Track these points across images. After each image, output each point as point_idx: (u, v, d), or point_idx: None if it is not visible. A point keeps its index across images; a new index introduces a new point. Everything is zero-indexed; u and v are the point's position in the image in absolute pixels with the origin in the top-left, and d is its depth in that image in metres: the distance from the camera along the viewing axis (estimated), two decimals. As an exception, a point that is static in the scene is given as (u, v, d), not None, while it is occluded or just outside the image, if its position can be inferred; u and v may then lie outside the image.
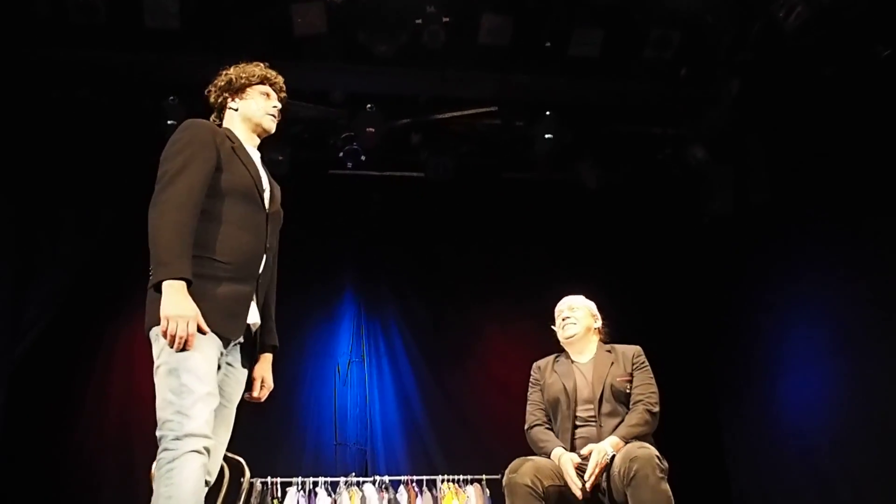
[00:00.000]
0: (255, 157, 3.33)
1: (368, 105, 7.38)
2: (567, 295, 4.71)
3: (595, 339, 4.57)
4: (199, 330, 2.86)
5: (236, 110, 3.39)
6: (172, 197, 2.94)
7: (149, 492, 2.98)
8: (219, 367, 3.05)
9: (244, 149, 3.25)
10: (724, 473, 8.32)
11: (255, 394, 3.30)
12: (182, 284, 2.85)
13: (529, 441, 4.46)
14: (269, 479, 7.43)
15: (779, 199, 7.54)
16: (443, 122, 7.79)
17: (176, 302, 2.82)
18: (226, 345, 3.06)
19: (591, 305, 4.66)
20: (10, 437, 7.43)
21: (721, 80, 7.10)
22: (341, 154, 7.91)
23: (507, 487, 4.04)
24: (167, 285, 2.83)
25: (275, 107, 3.37)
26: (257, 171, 3.23)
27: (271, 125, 3.38)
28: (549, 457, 4.20)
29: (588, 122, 7.83)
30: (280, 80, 3.47)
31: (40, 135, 7.36)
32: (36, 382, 7.66)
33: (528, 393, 4.59)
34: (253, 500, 7.08)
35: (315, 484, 7.58)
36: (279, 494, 7.47)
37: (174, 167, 3.00)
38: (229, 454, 5.15)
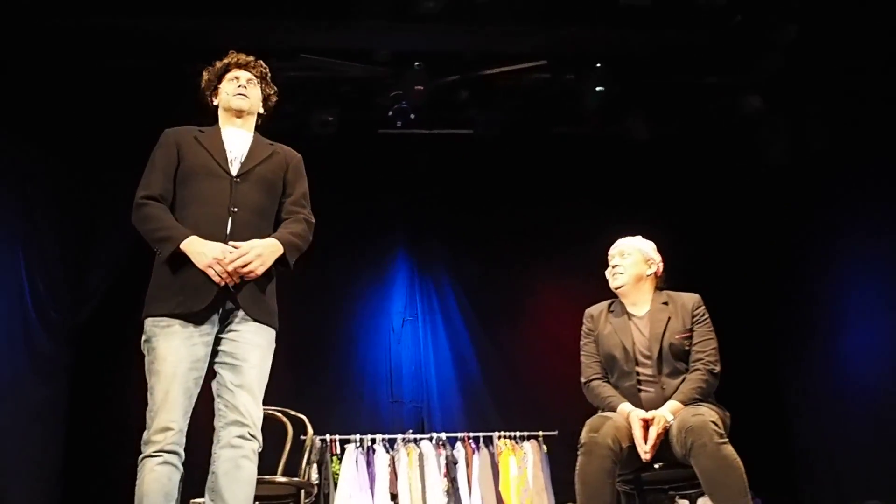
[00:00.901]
0: (238, 134, 3.65)
1: (416, 63, 7.34)
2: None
3: (649, 286, 4.33)
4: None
5: (217, 105, 3.78)
6: (137, 199, 3.47)
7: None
8: (226, 325, 3.31)
9: (214, 133, 3.62)
10: (785, 429, 8.23)
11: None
12: (188, 241, 3.28)
13: (589, 395, 4.28)
14: (327, 437, 7.54)
15: (838, 148, 7.37)
16: (491, 77, 7.70)
17: (200, 253, 3.24)
18: (201, 320, 3.26)
19: (646, 249, 4.39)
20: (78, 394, 7.71)
21: (777, 25, 6.91)
22: (390, 113, 7.89)
23: (587, 446, 3.86)
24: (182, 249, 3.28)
25: (240, 86, 3.69)
26: (221, 147, 3.54)
27: (240, 102, 3.68)
28: (614, 411, 4.06)
29: (639, 73, 7.67)
30: (238, 56, 3.82)
31: (96, 103, 7.46)
32: (100, 344, 7.86)
33: (582, 343, 4.39)
34: (313, 456, 7.19)
35: (373, 441, 7.67)
36: (338, 451, 7.58)
37: (144, 174, 3.55)
38: (292, 412, 5.27)
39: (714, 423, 3.72)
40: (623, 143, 8.15)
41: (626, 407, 4.04)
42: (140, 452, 3.16)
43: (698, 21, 6.85)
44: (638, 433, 3.90)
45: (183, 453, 3.20)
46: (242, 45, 6.92)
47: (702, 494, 3.97)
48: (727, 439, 3.72)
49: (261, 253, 3.29)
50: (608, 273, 4.39)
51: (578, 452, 3.91)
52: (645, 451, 3.88)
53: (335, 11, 6.75)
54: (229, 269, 3.24)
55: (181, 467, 3.19)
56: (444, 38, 7.24)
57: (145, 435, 3.16)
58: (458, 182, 8.73)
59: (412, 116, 7.89)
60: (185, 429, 3.22)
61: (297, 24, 6.87)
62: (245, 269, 3.25)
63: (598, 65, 7.46)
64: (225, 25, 6.80)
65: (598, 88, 7.53)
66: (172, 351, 3.21)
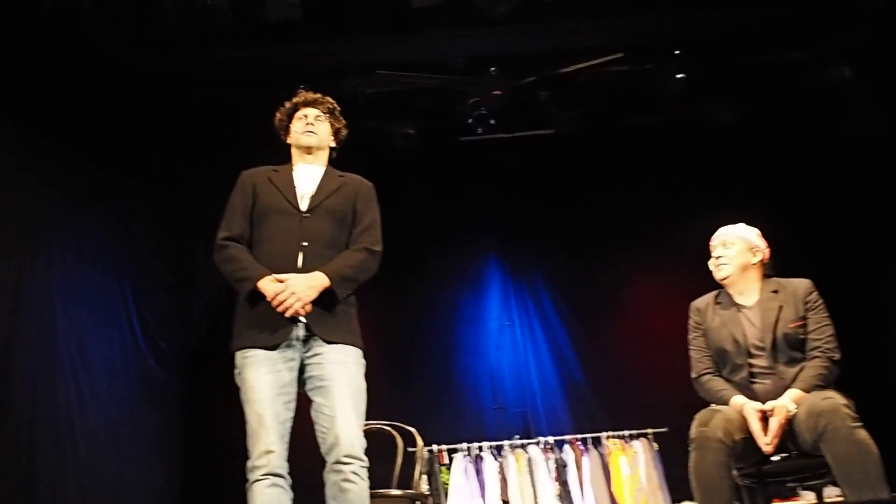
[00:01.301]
0: (309, 171, 3.81)
1: (492, 68, 7.34)
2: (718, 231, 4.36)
3: (756, 275, 4.18)
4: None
5: (290, 145, 3.93)
6: (218, 240, 3.71)
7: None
8: (306, 353, 3.45)
9: (286, 172, 3.79)
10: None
11: None
12: (263, 281, 3.46)
13: (700, 390, 4.17)
14: (434, 447, 7.56)
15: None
16: (568, 75, 7.64)
17: (271, 287, 3.43)
18: (282, 347, 3.44)
19: (750, 236, 4.23)
20: (193, 419, 7.95)
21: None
22: (470, 120, 7.90)
23: (697, 441, 3.78)
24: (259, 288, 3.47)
25: (308, 124, 3.84)
26: (291, 185, 3.71)
27: (307, 139, 3.83)
28: (727, 404, 3.95)
29: (720, 55, 7.52)
30: (306, 96, 3.97)
31: (189, 136, 7.69)
32: (209, 369, 8.05)
33: (690, 338, 4.27)
34: (421, 467, 7.22)
35: (480, 448, 7.66)
36: (446, 461, 7.59)
37: (224, 216, 3.77)
38: (401, 425, 5.31)
39: (846, 405, 3.59)
40: (709, 128, 8.00)
41: (739, 399, 3.93)
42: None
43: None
44: (756, 426, 3.79)
45: (288, 476, 3.32)
46: (319, 68, 7.15)
47: (827, 484, 3.85)
48: (861, 423, 3.56)
49: (295, 291, 3.39)
50: (711, 264, 4.26)
51: (690, 448, 3.83)
52: (766, 443, 3.76)
53: (407, 25, 6.79)
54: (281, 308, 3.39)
55: (289, 490, 3.31)
56: (517, 40, 7.20)
57: (249, 462, 3.33)
58: (544, 182, 8.69)
59: (492, 122, 7.88)
60: (285, 452, 3.35)
61: (370, 41, 6.93)
62: (282, 307, 3.39)
63: (677, 52, 7.33)
64: (301, 50, 6.91)
65: (678, 76, 7.41)
66: (259, 378, 3.40)
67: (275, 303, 3.38)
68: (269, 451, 3.28)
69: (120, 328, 7.23)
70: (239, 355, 3.47)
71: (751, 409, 3.85)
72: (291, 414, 3.43)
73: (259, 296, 3.45)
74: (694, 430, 3.84)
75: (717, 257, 4.22)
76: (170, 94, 7.22)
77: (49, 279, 6.36)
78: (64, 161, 6.71)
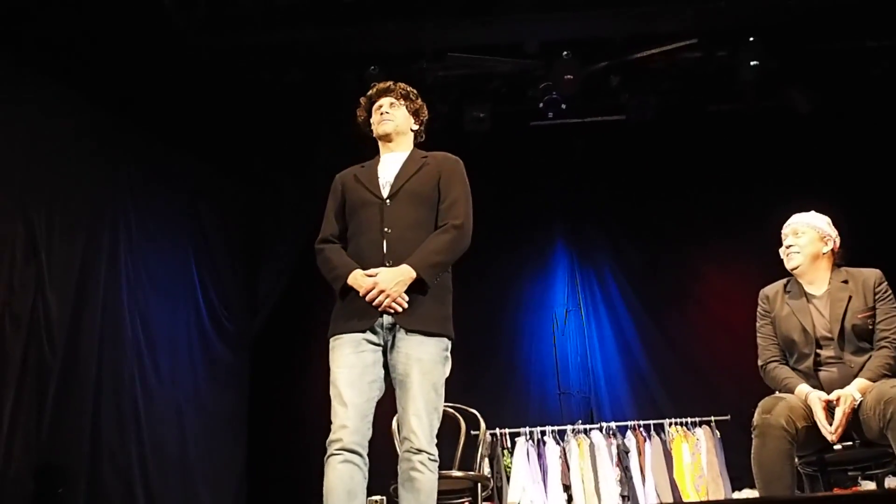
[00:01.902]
0: (393, 158, 3.85)
1: (564, 52, 7.30)
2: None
3: (827, 264, 4.13)
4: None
5: (373, 137, 3.96)
6: (316, 245, 3.78)
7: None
8: (390, 343, 3.49)
9: (371, 166, 3.85)
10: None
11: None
12: (352, 276, 3.53)
13: (766, 378, 4.15)
14: (497, 431, 7.59)
15: None
16: (641, 60, 7.57)
17: (360, 281, 3.50)
18: (366, 332, 3.50)
19: (822, 225, 4.17)
20: (255, 399, 8.06)
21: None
22: (541, 105, 7.87)
23: (760, 428, 3.77)
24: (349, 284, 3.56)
25: (383, 113, 3.88)
26: (375, 177, 3.77)
27: (384, 127, 3.87)
28: (792, 393, 3.93)
29: (794, 43, 7.40)
30: (379, 86, 3.98)
31: (259, 117, 7.79)
32: (274, 349, 8.20)
33: (758, 325, 4.24)
34: (483, 450, 7.26)
35: (543, 433, 7.67)
36: (509, 444, 7.62)
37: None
38: (465, 408, 5.35)
39: None
40: (784, 116, 7.89)
41: (804, 388, 3.90)
42: (324, 453, 3.34)
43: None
44: (820, 415, 3.76)
45: (366, 456, 3.35)
46: (391, 50, 7.18)
47: (888, 474, 3.79)
48: None
49: (384, 288, 3.44)
50: (782, 252, 4.21)
51: (752, 435, 3.81)
52: (831, 432, 3.73)
53: (481, 8, 6.80)
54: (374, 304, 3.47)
55: (364, 468, 3.35)
56: (591, 25, 7.17)
57: (329, 437, 3.37)
58: (614, 169, 8.65)
59: (563, 106, 7.84)
60: (365, 430, 3.38)
61: (444, 23, 6.95)
62: (378, 304, 3.44)
63: (752, 38, 7.22)
64: (374, 32, 6.95)
65: (752, 63, 7.29)
66: (343, 358, 3.46)
67: (367, 298, 3.46)
68: (344, 426, 3.33)
69: (186, 308, 7.39)
70: (331, 341, 3.55)
71: (815, 398, 3.82)
72: (377, 394, 3.47)
73: (350, 290, 3.53)
74: (757, 418, 3.82)
75: (788, 246, 4.17)
76: (241, 75, 7.34)
77: (115, 257, 6.49)
78: (134, 140, 6.87)
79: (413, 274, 3.47)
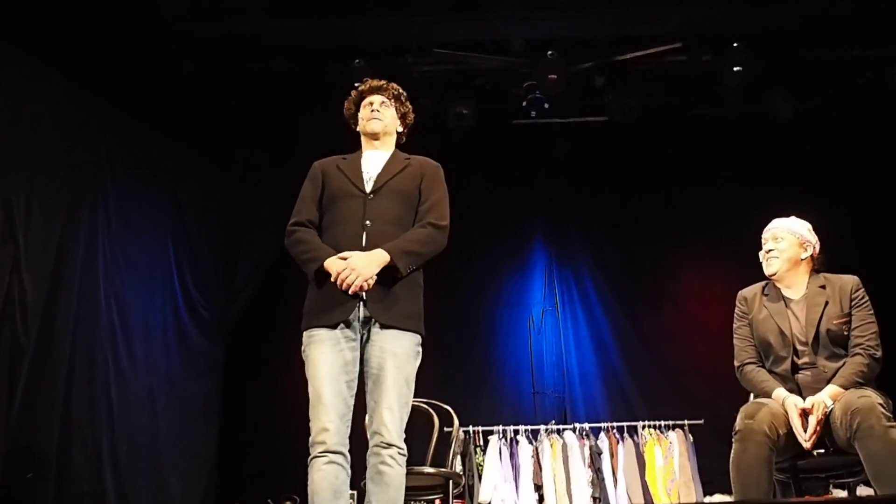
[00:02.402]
0: (376, 156, 3.88)
1: (550, 52, 7.29)
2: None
3: (805, 269, 4.15)
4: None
5: (358, 132, 3.99)
6: (288, 226, 3.74)
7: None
8: (365, 336, 3.53)
9: (354, 159, 3.88)
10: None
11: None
12: (328, 261, 3.52)
13: (742, 379, 4.17)
14: (470, 428, 7.59)
15: None
16: (626, 62, 7.59)
17: (332, 263, 3.50)
18: (344, 327, 3.51)
19: (801, 231, 4.18)
20: (229, 388, 8.04)
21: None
22: (525, 103, 7.88)
23: (742, 433, 3.77)
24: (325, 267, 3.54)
25: (373, 111, 3.90)
26: (358, 170, 3.80)
27: (372, 126, 3.89)
28: (768, 396, 3.95)
29: (779, 50, 7.44)
30: (371, 83, 4.00)
31: (242, 105, 7.76)
32: (250, 339, 8.16)
33: (735, 327, 4.26)
34: (455, 447, 7.26)
35: (516, 432, 7.68)
36: (481, 442, 7.62)
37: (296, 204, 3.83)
38: (439, 404, 5.34)
39: (881, 405, 3.59)
40: (766, 121, 7.92)
41: (780, 392, 3.92)
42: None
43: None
44: (796, 421, 3.78)
45: (348, 454, 3.39)
46: (377, 43, 7.17)
47: (860, 483, 3.82)
48: (895, 423, 3.56)
49: (356, 267, 3.44)
50: (762, 257, 4.24)
51: (733, 440, 3.81)
52: (805, 439, 3.75)
53: (467, 4, 6.79)
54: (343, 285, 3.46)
55: (347, 466, 3.39)
56: (577, 25, 7.18)
57: (310, 438, 3.40)
58: (596, 169, 8.66)
59: (546, 106, 7.85)
60: (345, 430, 3.42)
61: (430, 18, 6.94)
62: (344, 284, 3.43)
63: (736, 44, 7.25)
64: (360, 25, 6.94)
65: (736, 68, 7.33)
66: (322, 357, 3.46)
67: (338, 281, 3.45)
68: (326, 429, 3.36)
69: (162, 294, 7.34)
70: (305, 335, 3.55)
71: (791, 403, 3.84)
72: (352, 393, 3.50)
73: (325, 277, 3.52)
74: (739, 423, 3.83)
75: (768, 251, 4.20)
76: (226, 62, 7.29)
77: (93, 241, 6.44)
78: (116, 123, 6.81)
79: (387, 257, 3.50)
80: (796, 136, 8.04)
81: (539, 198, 8.80)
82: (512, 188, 8.64)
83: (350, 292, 3.44)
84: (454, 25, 7.11)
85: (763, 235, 4.27)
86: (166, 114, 7.14)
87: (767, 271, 4.19)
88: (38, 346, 5.69)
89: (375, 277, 3.46)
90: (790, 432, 3.81)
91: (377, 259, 3.48)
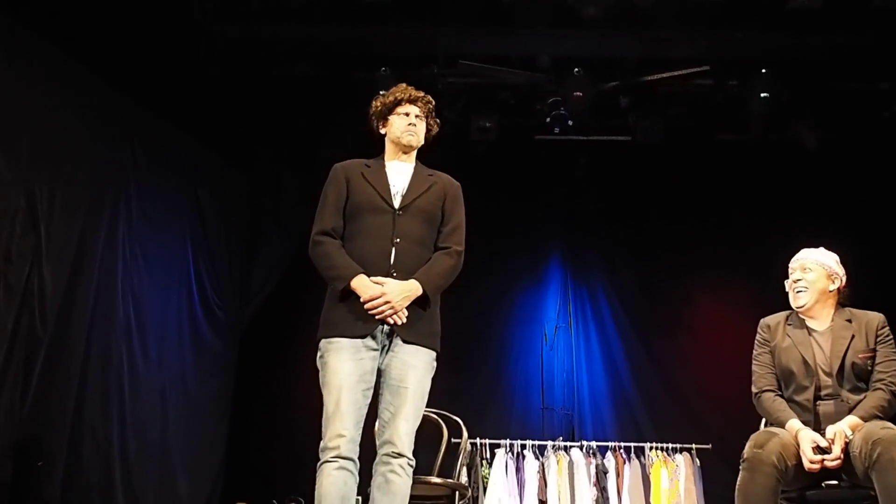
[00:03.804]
0: (402, 168, 3.86)
1: (576, 69, 7.30)
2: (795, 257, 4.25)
3: (832, 302, 4.12)
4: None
5: (384, 135, 3.94)
6: (313, 235, 3.70)
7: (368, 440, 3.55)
8: (386, 347, 3.57)
9: (379, 168, 3.84)
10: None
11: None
12: (357, 280, 3.53)
13: (759, 406, 4.14)
14: (478, 441, 7.59)
15: None
16: (652, 83, 7.57)
17: (366, 287, 3.51)
18: (366, 338, 3.54)
19: (830, 263, 4.14)
20: (240, 390, 8.07)
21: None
22: (548, 119, 7.87)
23: (750, 462, 3.74)
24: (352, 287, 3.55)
25: (410, 124, 3.85)
26: (385, 182, 3.77)
27: (410, 139, 3.86)
28: (782, 426, 3.92)
29: (807, 79, 7.41)
30: (410, 92, 3.94)
31: (266, 109, 7.81)
32: (263, 341, 8.19)
33: (756, 353, 4.21)
34: (463, 459, 7.26)
35: (523, 447, 7.68)
36: (488, 455, 7.62)
37: (316, 211, 3.78)
38: (448, 415, 5.35)
39: None
40: (791, 150, 7.89)
41: (795, 424, 3.89)
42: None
43: (871, 24, 6.57)
44: (809, 453, 3.74)
45: (357, 461, 3.44)
46: (405, 54, 7.20)
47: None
48: None
49: (391, 300, 3.49)
50: (788, 287, 4.18)
51: (741, 467, 3.79)
52: (816, 469, 3.72)
53: (496, 18, 6.81)
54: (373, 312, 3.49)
55: (356, 474, 3.43)
56: (605, 44, 7.18)
57: (322, 443, 3.43)
58: (616, 189, 8.67)
59: (570, 123, 7.84)
60: (358, 438, 3.46)
61: (458, 30, 6.96)
62: (375, 313, 3.48)
63: (764, 70, 7.24)
64: (388, 33, 6.97)
65: (762, 95, 7.31)
66: (341, 364, 3.49)
67: (368, 305, 3.48)
68: (341, 436, 3.39)
69: (178, 293, 7.38)
70: (324, 342, 3.57)
71: (805, 435, 3.80)
72: (367, 402, 3.54)
73: (350, 292, 3.54)
74: (748, 451, 3.80)
75: (796, 281, 4.15)
76: (254, 66, 7.34)
77: (114, 236, 6.49)
78: (141, 121, 6.85)
79: (420, 291, 3.57)
80: (820, 167, 8.00)
81: (558, 214, 8.80)
82: (531, 204, 8.65)
83: (379, 318, 3.49)
84: (481, 38, 7.12)
85: (791, 265, 4.22)
86: (191, 114, 7.18)
87: (796, 304, 4.14)
88: (54, 338, 5.73)
89: (406, 310, 3.52)
90: (799, 463, 3.78)
91: (411, 293, 3.55)
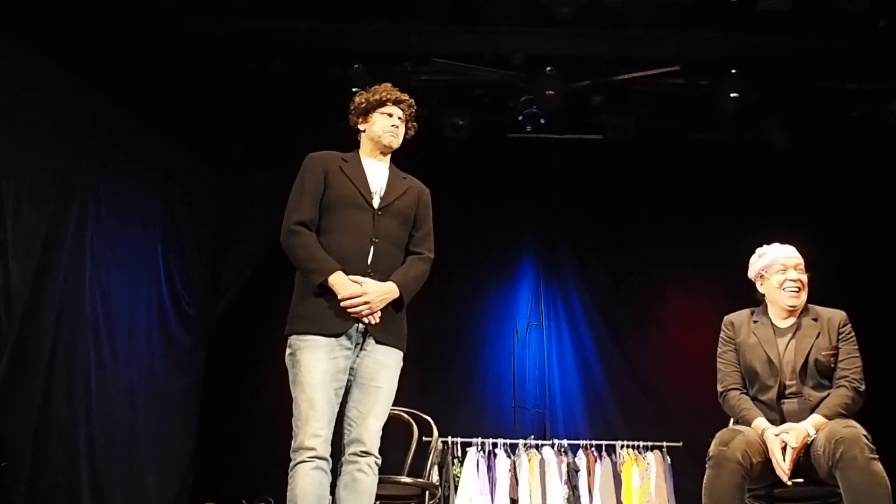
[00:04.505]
0: (378, 167, 3.86)
1: (548, 68, 7.32)
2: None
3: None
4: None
5: (363, 132, 3.92)
6: (290, 224, 3.63)
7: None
8: (359, 346, 3.57)
9: (356, 164, 3.82)
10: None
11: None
12: (335, 276, 3.51)
13: (725, 405, 4.14)
14: (449, 439, 7.58)
15: None
16: (624, 82, 7.62)
17: (342, 287, 3.49)
18: (341, 336, 3.52)
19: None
20: (209, 387, 8.01)
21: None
22: (520, 117, 7.89)
23: (715, 459, 3.75)
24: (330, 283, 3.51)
25: (393, 126, 3.85)
26: (364, 180, 3.76)
27: (391, 140, 3.86)
28: (748, 425, 3.94)
29: (776, 79, 7.49)
30: (396, 94, 3.92)
31: (238, 104, 7.75)
32: (232, 338, 8.14)
33: (720, 351, 4.21)
34: (434, 457, 7.24)
35: (494, 445, 7.67)
36: (459, 454, 7.61)
37: (290, 199, 3.73)
38: (419, 413, 5.33)
39: (865, 436, 3.58)
40: (760, 149, 7.96)
41: (761, 422, 3.90)
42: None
43: (840, 25, 6.63)
44: (778, 454, 3.76)
45: (330, 460, 3.43)
46: (379, 50, 7.17)
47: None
48: (877, 456, 3.56)
49: (370, 300, 3.50)
50: (781, 284, 4.10)
51: (707, 465, 3.81)
52: (785, 471, 3.73)
53: (470, 16, 6.81)
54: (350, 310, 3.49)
55: (330, 474, 3.42)
56: (577, 43, 7.20)
57: (294, 443, 3.40)
58: (588, 187, 8.68)
59: (542, 121, 7.86)
60: (331, 437, 3.45)
61: (432, 28, 6.95)
62: (352, 311, 3.49)
63: (734, 70, 7.29)
64: (362, 30, 6.94)
65: (732, 94, 7.37)
66: (316, 362, 3.47)
67: (346, 304, 3.48)
68: (317, 436, 3.38)
69: (147, 289, 7.31)
70: (294, 338, 3.54)
71: (771, 435, 3.82)
72: (339, 401, 3.53)
73: (327, 288, 3.53)
74: (713, 449, 3.81)
75: (794, 280, 4.09)
76: (227, 61, 7.29)
77: (82, 231, 6.41)
78: (111, 115, 6.78)
79: (397, 294, 3.60)
80: (789, 166, 8.07)
81: (530, 212, 8.81)
82: (503, 201, 8.65)
83: (356, 316, 3.50)
84: (455, 36, 7.12)
85: (782, 262, 4.12)
86: (162, 109, 7.11)
87: (791, 303, 4.09)
88: (21, 334, 5.65)
89: (380, 312, 3.54)
90: (765, 461, 3.80)
91: (390, 295, 3.58)
